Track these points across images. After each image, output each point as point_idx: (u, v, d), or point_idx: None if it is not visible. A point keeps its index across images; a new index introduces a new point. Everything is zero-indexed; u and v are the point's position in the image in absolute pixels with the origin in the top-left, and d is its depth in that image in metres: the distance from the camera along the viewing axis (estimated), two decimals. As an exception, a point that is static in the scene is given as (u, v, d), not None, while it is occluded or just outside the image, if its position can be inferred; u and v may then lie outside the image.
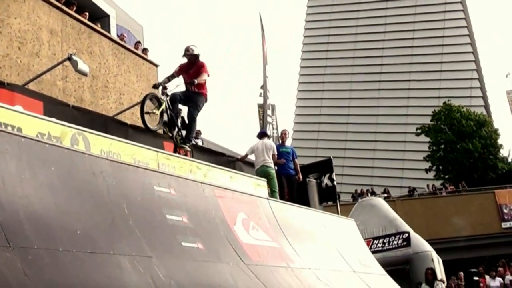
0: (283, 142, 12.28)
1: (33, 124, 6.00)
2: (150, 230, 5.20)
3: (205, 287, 5.32)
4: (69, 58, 9.11)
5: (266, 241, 7.25)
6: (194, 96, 9.11)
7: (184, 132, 9.13)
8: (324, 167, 13.94)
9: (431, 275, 12.52)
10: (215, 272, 5.64)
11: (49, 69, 9.62)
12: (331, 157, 14.21)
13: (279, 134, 13.36)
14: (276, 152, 11.10)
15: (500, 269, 17.72)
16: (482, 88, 69.57)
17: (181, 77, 9.24)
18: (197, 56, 9.15)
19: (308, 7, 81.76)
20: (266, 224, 7.62)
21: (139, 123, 11.53)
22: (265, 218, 7.72)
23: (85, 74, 9.51)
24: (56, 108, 8.30)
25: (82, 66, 9.09)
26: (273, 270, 6.70)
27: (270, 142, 11.34)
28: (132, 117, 11.65)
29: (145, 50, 14.12)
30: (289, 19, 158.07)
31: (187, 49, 9.12)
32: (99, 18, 16.35)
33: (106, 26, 16.50)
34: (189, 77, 9.09)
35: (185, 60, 9.27)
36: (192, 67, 9.15)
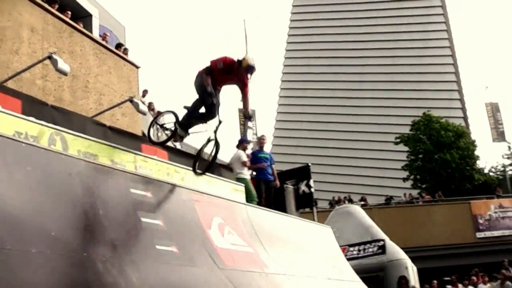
0: (261, 147, 12.32)
1: (11, 122, 5.97)
2: (124, 232, 5.20)
3: (179, 290, 5.33)
4: (50, 57, 9.07)
5: (241, 246, 7.27)
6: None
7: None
8: (302, 173, 14.03)
9: (405, 284, 12.62)
10: (189, 276, 5.64)
11: (28, 67, 9.54)
12: (309, 164, 14.28)
13: (258, 140, 13.37)
14: (245, 159, 11.20)
15: (473, 278, 17.95)
16: (462, 99, 70.46)
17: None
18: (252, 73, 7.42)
19: (292, 13, 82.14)
20: (241, 229, 7.63)
21: (118, 125, 11.53)
22: (241, 223, 7.74)
23: (65, 74, 9.46)
24: (34, 107, 8.23)
25: (62, 65, 9.04)
26: (247, 275, 6.71)
27: (238, 153, 11.41)
28: (112, 119, 11.58)
29: (125, 50, 14.03)
30: (272, 25, 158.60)
31: (253, 68, 7.28)
32: (82, 17, 16.28)
33: (89, 26, 16.42)
34: (224, 81, 7.49)
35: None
36: (237, 73, 7.37)
